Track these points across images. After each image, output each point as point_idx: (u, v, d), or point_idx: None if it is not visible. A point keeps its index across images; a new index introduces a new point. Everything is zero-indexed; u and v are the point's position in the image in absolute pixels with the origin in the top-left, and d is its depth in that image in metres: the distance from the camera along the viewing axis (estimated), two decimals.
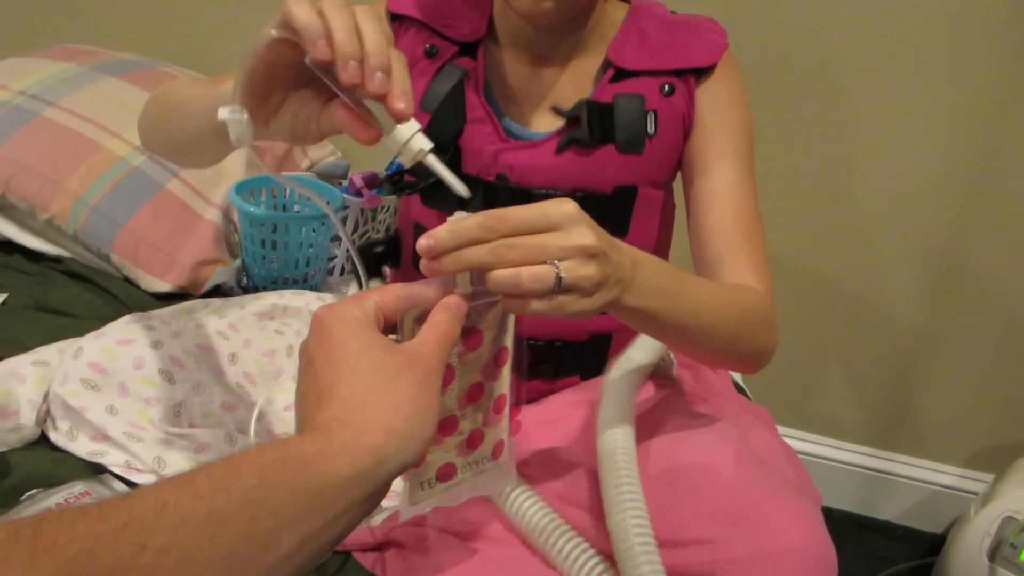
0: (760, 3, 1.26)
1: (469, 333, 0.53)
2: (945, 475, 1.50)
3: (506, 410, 0.58)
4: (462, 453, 0.56)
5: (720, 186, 0.79)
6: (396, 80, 0.53)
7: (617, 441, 0.69)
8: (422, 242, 0.49)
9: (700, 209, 0.80)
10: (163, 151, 0.77)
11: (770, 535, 0.62)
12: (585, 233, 0.52)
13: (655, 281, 0.60)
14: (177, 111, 0.71)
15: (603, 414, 0.72)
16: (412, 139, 0.55)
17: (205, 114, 0.64)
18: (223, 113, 0.56)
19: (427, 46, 0.81)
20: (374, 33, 0.53)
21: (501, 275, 0.50)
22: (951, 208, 1.32)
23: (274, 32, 0.54)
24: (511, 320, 0.56)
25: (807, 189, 1.35)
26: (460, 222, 0.50)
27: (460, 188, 0.56)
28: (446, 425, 0.55)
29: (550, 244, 0.51)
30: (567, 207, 0.53)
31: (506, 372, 0.57)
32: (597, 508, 0.70)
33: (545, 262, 0.51)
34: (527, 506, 0.69)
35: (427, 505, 0.56)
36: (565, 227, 0.52)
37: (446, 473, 0.56)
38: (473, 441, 0.57)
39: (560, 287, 0.51)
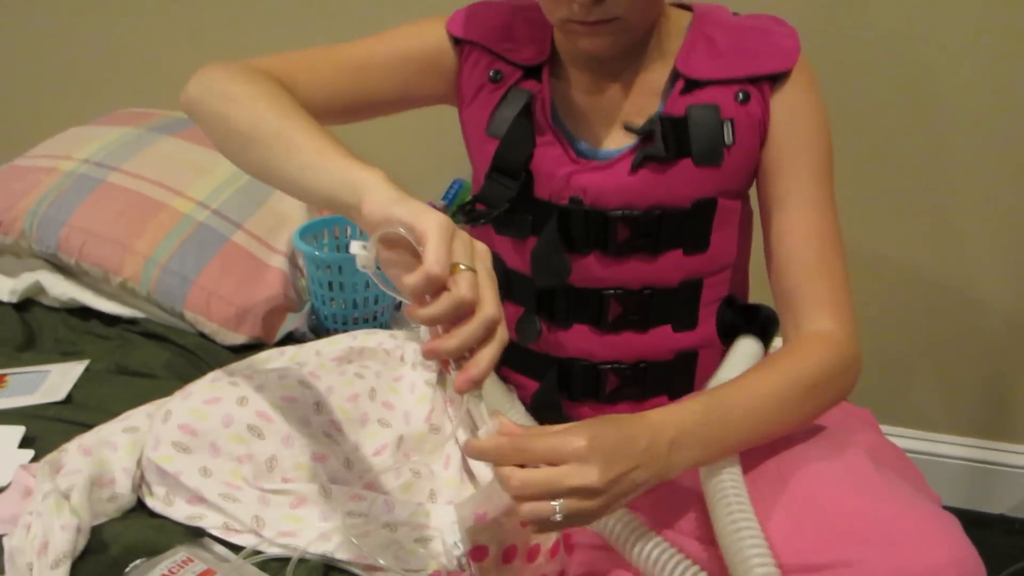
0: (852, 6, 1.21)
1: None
2: None
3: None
4: None
5: (796, 213, 0.76)
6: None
7: (722, 466, 0.67)
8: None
9: (776, 235, 0.77)
10: (219, 146, 0.75)
11: (912, 552, 0.58)
12: (587, 473, 0.58)
13: (702, 446, 0.65)
14: (260, 147, 0.68)
15: None
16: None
17: (304, 177, 0.65)
18: (355, 247, 0.58)
19: (491, 72, 0.79)
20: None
21: (521, 510, 0.58)
22: None
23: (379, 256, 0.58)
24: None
25: (896, 184, 1.30)
26: (480, 445, 0.60)
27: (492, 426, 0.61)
28: None
29: (561, 483, 0.57)
30: (578, 443, 0.58)
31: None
32: (708, 536, 0.66)
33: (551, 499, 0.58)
34: (647, 548, 0.66)
35: None
36: (575, 465, 0.58)
37: None
38: None
39: (559, 520, 0.58)
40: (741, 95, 0.75)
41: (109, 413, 0.88)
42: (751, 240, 0.87)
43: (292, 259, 1.19)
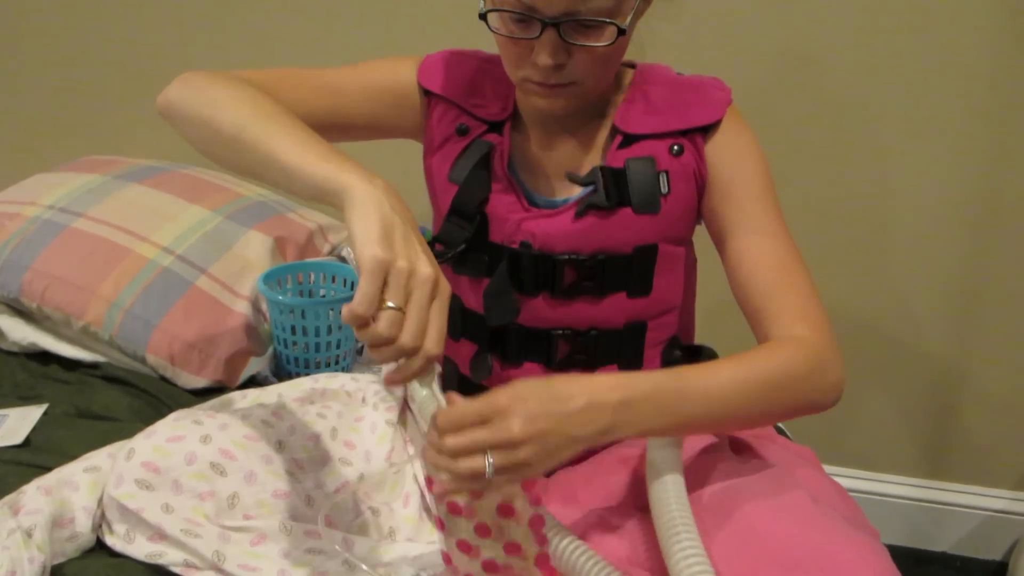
0: (768, 33, 1.29)
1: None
2: (997, 499, 1.47)
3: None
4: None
5: (746, 240, 0.80)
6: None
7: (669, 491, 0.69)
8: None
9: (733, 266, 0.81)
10: (201, 148, 0.78)
11: (839, 575, 0.61)
12: (507, 426, 0.62)
13: (650, 408, 0.67)
14: (245, 149, 0.71)
15: (651, 467, 0.72)
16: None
17: (285, 174, 0.69)
18: (347, 252, 0.64)
19: (459, 125, 0.85)
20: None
21: (444, 467, 0.63)
22: (969, 231, 1.33)
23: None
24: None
25: (832, 232, 1.36)
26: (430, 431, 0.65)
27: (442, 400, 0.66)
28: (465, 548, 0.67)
29: (478, 438, 0.62)
30: (500, 401, 0.63)
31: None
32: (659, 566, 0.69)
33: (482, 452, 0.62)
34: (577, 556, 0.68)
35: None
36: (495, 421, 0.62)
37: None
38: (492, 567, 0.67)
39: (492, 473, 0.61)
40: (675, 147, 0.81)
41: (68, 456, 0.88)
42: (695, 284, 0.92)
43: (255, 303, 1.21)
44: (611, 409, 0.65)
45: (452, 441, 0.62)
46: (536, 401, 0.64)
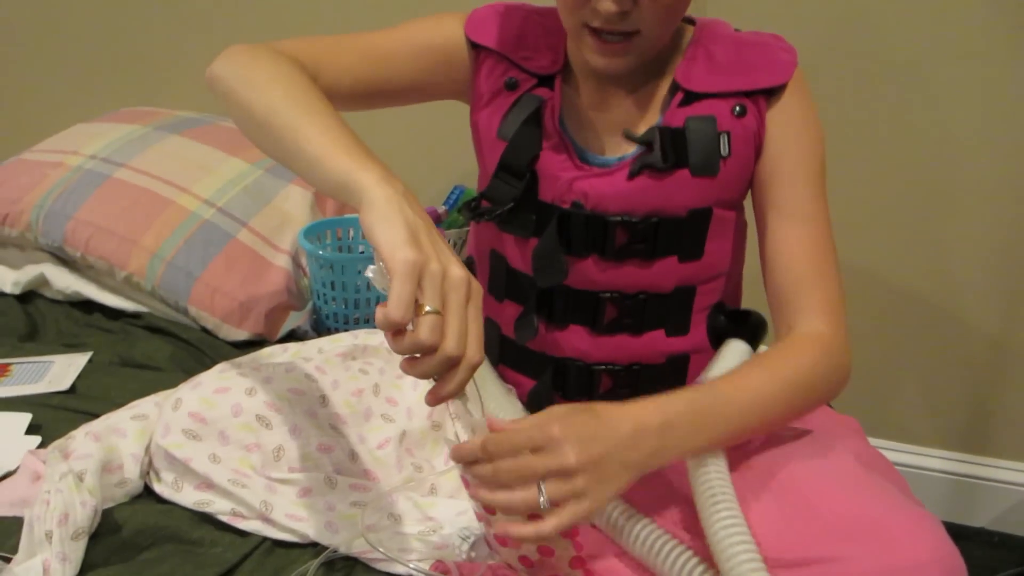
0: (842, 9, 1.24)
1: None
2: None
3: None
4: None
5: (791, 221, 0.78)
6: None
7: (707, 459, 0.69)
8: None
9: (771, 243, 0.79)
10: (238, 126, 0.76)
11: (896, 550, 0.60)
12: (564, 454, 0.60)
13: (690, 427, 0.66)
14: (273, 135, 0.70)
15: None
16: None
17: (309, 166, 0.67)
18: (370, 271, 0.60)
19: (507, 79, 0.82)
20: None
21: (496, 499, 0.62)
22: (1020, 201, 1.29)
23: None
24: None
25: (885, 200, 1.33)
26: (463, 448, 0.63)
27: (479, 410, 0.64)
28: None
29: (534, 467, 0.61)
30: (551, 429, 0.61)
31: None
32: (696, 528, 0.68)
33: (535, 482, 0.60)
34: (641, 531, 0.68)
35: None
36: (548, 449, 0.61)
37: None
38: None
39: (546, 505, 0.60)
40: (738, 108, 0.78)
41: (113, 403, 0.90)
42: (744, 250, 0.90)
43: (295, 258, 1.21)
44: (655, 432, 0.65)
45: (506, 466, 0.61)
46: (586, 427, 0.62)
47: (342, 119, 0.70)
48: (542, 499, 0.60)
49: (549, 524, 0.60)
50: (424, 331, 0.57)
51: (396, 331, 0.57)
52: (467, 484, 0.66)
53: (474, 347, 0.59)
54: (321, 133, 0.67)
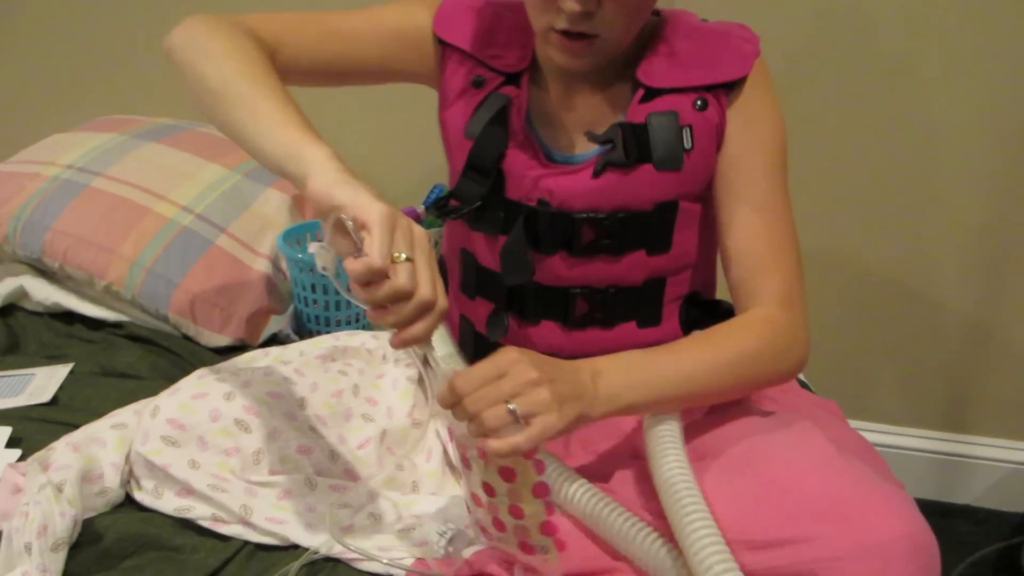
0: None
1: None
2: (1020, 452, 1.46)
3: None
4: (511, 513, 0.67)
5: (747, 208, 0.79)
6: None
7: (666, 440, 0.69)
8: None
9: (728, 231, 0.80)
10: (192, 98, 0.76)
11: (870, 527, 0.61)
12: (526, 369, 0.62)
13: (625, 380, 0.68)
14: (225, 106, 0.71)
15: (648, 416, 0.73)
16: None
17: (260, 142, 0.68)
18: (313, 247, 0.62)
19: (474, 77, 0.82)
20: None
21: (472, 426, 0.62)
22: (999, 189, 1.30)
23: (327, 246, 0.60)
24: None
25: (858, 184, 1.34)
26: (439, 395, 0.64)
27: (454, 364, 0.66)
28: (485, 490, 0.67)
29: (501, 387, 0.62)
30: (511, 354, 0.64)
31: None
32: (658, 509, 0.68)
33: (503, 402, 0.61)
34: (582, 495, 0.68)
35: None
36: (511, 370, 0.62)
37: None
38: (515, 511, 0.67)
39: (519, 418, 0.61)
40: (699, 102, 0.79)
41: (95, 414, 0.90)
42: (715, 244, 0.91)
43: (275, 262, 1.21)
44: (588, 376, 0.67)
45: (477, 395, 0.62)
46: (538, 356, 0.66)
47: (293, 99, 0.71)
48: (511, 405, 0.61)
49: (522, 436, 0.61)
50: (403, 277, 0.59)
51: (368, 282, 0.59)
52: (452, 434, 0.68)
53: (441, 292, 0.62)
54: (274, 108, 0.68)
